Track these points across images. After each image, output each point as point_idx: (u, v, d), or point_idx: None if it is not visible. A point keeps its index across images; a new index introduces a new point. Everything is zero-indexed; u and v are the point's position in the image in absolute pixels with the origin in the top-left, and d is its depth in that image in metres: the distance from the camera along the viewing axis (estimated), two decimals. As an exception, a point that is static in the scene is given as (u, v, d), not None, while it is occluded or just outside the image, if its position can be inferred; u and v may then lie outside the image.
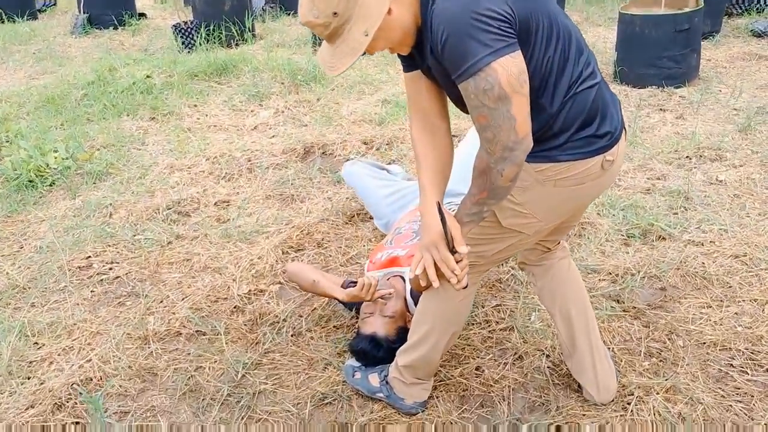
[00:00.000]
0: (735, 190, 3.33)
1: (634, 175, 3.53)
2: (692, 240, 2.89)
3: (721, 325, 2.37)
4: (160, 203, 3.41)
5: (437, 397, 2.12)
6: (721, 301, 2.50)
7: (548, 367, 2.22)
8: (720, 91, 4.72)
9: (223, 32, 6.28)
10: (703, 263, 2.72)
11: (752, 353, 2.22)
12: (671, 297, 2.54)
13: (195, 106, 4.86)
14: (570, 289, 2.01)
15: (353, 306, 2.43)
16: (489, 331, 2.41)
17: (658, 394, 2.07)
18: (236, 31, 6.39)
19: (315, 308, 2.58)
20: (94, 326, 2.54)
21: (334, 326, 2.49)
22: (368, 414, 2.08)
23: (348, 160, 3.38)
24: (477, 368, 2.23)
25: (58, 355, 2.40)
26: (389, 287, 2.28)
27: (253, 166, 3.84)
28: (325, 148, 4.05)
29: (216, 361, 2.34)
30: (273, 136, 4.33)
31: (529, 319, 2.45)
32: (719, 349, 2.26)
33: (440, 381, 2.18)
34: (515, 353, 2.29)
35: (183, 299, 2.68)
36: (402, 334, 2.15)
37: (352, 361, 2.22)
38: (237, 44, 6.43)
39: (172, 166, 3.88)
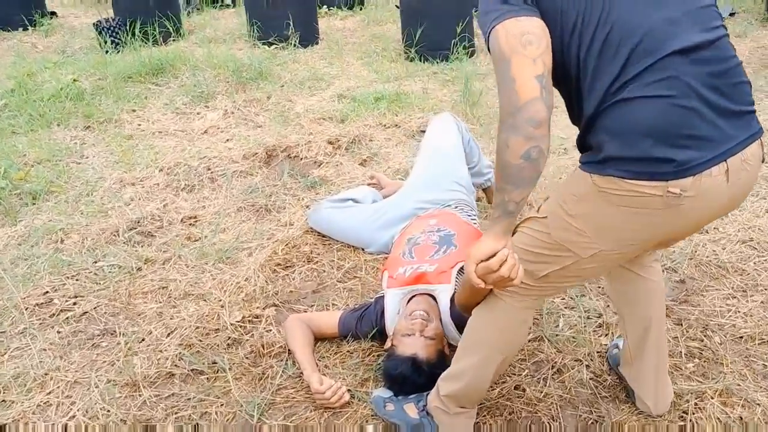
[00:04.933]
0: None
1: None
2: (696, 227, 2.81)
3: (751, 316, 2.29)
4: (117, 224, 3.05)
5: (483, 423, 1.93)
6: (744, 291, 2.42)
7: (591, 379, 2.07)
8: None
9: (157, 29, 5.81)
10: (714, 251, 2.65)
11: (792, 345, 2.15)
12: (693, 290, 2.45)
13: (134, 111, 4.45)
14: (656, 296, 1.84)
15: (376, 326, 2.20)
16: (518, 343, 2.23)
17: (712, 398, 1.96)
18: (170, 26, 5.94)
19: (322, 332, 2.34)
20: (69, 374, 2.20)
21: (348, 351, 2.25)
22: (412, 451, 1.86)
23: (308, 206, 3.06)
24: (516, 387, 2.06)
25: (33, 413, 2.05)
26: (420, 307, 2.06)
27: (215, 175, 3.52)
28: (290, 151, 3.77)
29: (223, 404, 2.06)
30: (228, 140, 4.01)
31: (557, 326, 2.30)
32: (758, 344, 2.17)
33: (480, 404, 1.98)
34: (552, 366, 2.13)
35: (168, 334, 2.36)
36: (442, 358, 1.95)
37: (380, 391, 2.00)
38: (167, 41, 5.98)
39: (122, 180, 3.50)
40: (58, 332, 2.40)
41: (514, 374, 2.10)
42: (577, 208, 1.47)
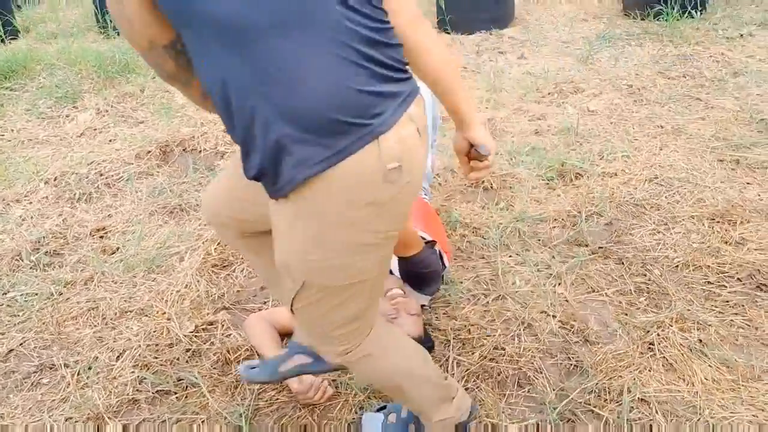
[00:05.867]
0: (609, 117, 3.54)
1: (517, 119, 3.59)
2: (606, 172, 3.00)
3: (678, 246, 2.49)
4: (16, 247, 2.73)
5: (477, 388, 1.96)
6: (665, 224, 2.63)
7: (560, 328, 2.17)
8: (542, 27, 4.99)
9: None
10: (629, 191, 2.85)
11: (719, 267, 2.37)
12: (621, 230, 2.62)
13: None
14: None
15: None
16: (482, 306, 2.28)
17: (670, 326, 2.12)
18: (-2, 24, 5.34)
19: (286, 327, 2.25)
20: (17, 420, 1.96)
21: (318, 342, 2.19)
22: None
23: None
24: (495, 347, 2.11)
25: (-13, 474, 1.81)
26: (388, 284, 2.04)
27: (111, 181, 3.24)
28: (185, 144, 3.55)
29: (203, 420, 1.93)
30: (111, 141, 3.70)
31: (514, 283, 2.37)
32: (692, 270, 2.37)
33: (467, 370, 2.02)
34: (522, 322, 2.20)
35: (117, 357, 2.17)
36: (427, 332, 1.95)
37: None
38: (4, 41, 5.37)
39: (4, 199, 3.13)
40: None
41: (489, 336, 2.15)
42: None
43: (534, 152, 3.19)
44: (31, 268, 2.62)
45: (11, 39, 5.41)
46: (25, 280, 2.55)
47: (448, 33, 5.02)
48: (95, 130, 3.86)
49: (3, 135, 3.83)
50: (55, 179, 3.27)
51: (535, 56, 4.45)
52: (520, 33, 4.89)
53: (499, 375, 2.01)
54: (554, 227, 2.66)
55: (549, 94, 3.88)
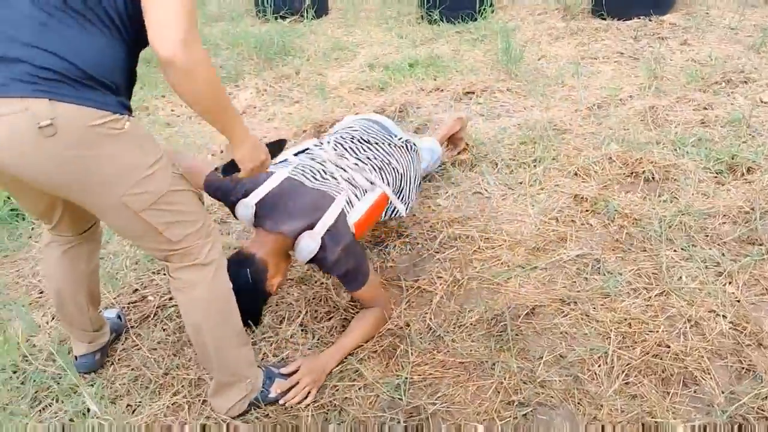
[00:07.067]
0: (785, 110, 3.27)
1: (680, 108, 3.40)
2: (783, 168, 2.78)
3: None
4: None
5: (639, 383, 1.89)
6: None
7: (731, 329, 2.04)
8: (707, 13, 4.68)
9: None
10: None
11: None
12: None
13: (163, 96, 4.29)
14: None
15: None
16: (644, 300, 2.19)
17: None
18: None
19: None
20: (191, 372, 2.12)
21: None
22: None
23: None
24: (658, 344, 2.02)
25: (165, 416, 1.97)
26: None
27: (271, 156, 3.41)
28: (338, 125, 3.66)
29: (361, 387, 2.00)
30: (270, 119, 3.89)
31: (680, 279, 2.26)
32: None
33: (627, 364, 1.95)
34: (687, 319, 2.09)
35: (281, 322, 2.29)
36: None
37: None
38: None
39: (176, 169, 3.38)
40: (163, 329, 2.32)
41: (651, 331, 2.06)
42: None
43: (700, 143, 3.01)
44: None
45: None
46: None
47: (603, 19, 4.83)
48: (255, 108, 4.07)
49: (173, 110, 4.13)
50: (221, 152, 3.48)
51: (700, 43, 4.18)
52: (682, 19, 4.61)
53: (663, 372, 1.92)
54: (724, 223, 2.51)
55: (716, 83, 3.63)
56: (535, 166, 3.01)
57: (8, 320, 2.38)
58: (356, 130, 2.45)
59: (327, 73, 4.45)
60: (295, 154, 2.33)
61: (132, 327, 2.32)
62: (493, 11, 5.25)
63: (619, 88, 3.71)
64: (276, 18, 5.58)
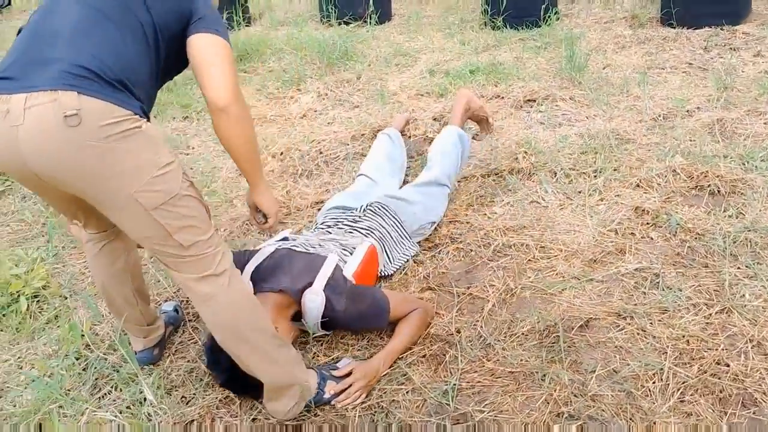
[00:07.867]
0: None
1: (750, 121, 3.28)
2: None
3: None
4: (246, 213, 3.02)
5: (695, 402, 1.83)
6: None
7: (797, 351, 1.96)
8: (784, 23, 4.51)
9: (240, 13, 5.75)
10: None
11: None
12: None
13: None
14: None
15: None
16: (704, 317, 2.13)
17: None
18: (239, 10, 5.89)
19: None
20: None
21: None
22: None
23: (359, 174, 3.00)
24: (717, 362, 1.96)
25: (218, 408, 2.02)
26: None
27: (329, 159, 3.46)
28: (397, 130, 3.68)
29: (408, 391, 2.00)
30: (329, 123, 3.94)
31: (743, 296, 2.18)
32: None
33: (683, 382, 1.89)
34: (749, 339, 2.02)
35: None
36: None
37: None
38: (239, 26, 5.92)
39: (237, 169, 3.46)
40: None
41: (710, 349, 2.00)
42: None
43: (771, 158, 2.90)
44: (259, 232, 2.88)
45: (246, 25, 5.95)
46: (254, 241, 2.81)
47: (673, 27, 4.71)
48: (316, 111, 4.14)
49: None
50: (281, 154, 3.55)
51: (775, 54, 4.04)
52: (756, 29, 4.45)
53: (721, 392, 1.86)
54: (796, 242, 2.41)
55: (792, 96, 3.50)
56: (595, 176, 2.96)
57: (74, 309, 2.49)
58: (318, 227, 2.58)
59: (387, 79, 4.49)
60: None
61: (189, 321, 2.39)
62: (558, 19, 5.19)
63: (687, 99, 3.61)
64: (339, 23, 5.66)
